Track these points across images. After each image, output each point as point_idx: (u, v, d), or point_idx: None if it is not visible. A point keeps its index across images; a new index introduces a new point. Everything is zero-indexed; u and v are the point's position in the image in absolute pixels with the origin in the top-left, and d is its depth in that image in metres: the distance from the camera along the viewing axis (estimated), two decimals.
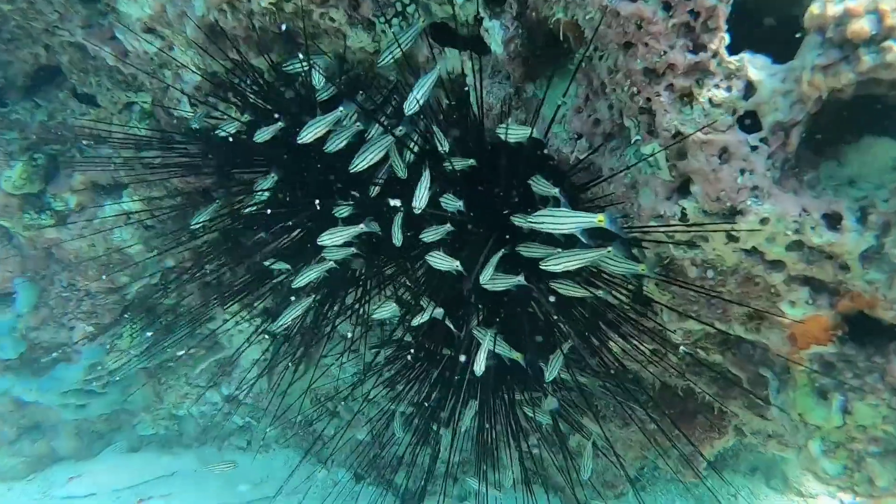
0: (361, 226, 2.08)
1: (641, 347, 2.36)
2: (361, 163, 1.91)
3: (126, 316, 3.65)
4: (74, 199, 3.04)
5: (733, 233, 1.49)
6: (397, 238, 1.95)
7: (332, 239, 2.02)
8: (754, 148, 1.36)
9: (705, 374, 2.54)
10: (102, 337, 3.66)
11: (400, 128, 2.00)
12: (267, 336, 3.33)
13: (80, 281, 3.38)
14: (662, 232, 1.61)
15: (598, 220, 1.49)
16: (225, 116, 2.48)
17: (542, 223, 1.56)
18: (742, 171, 1.37)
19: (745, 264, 1.56)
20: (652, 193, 1.60)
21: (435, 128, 1.92)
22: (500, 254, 1.87)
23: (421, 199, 1.78)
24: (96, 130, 2.81)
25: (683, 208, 1.53)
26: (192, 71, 2.42)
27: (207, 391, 4.40)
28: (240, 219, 2.59)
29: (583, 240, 1.54)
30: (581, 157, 1.78)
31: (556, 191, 1.69)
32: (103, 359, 3.72)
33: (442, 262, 1.88)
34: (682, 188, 1.54)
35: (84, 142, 2.90)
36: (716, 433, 2.98)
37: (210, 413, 4.38)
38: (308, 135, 1.98)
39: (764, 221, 1.41)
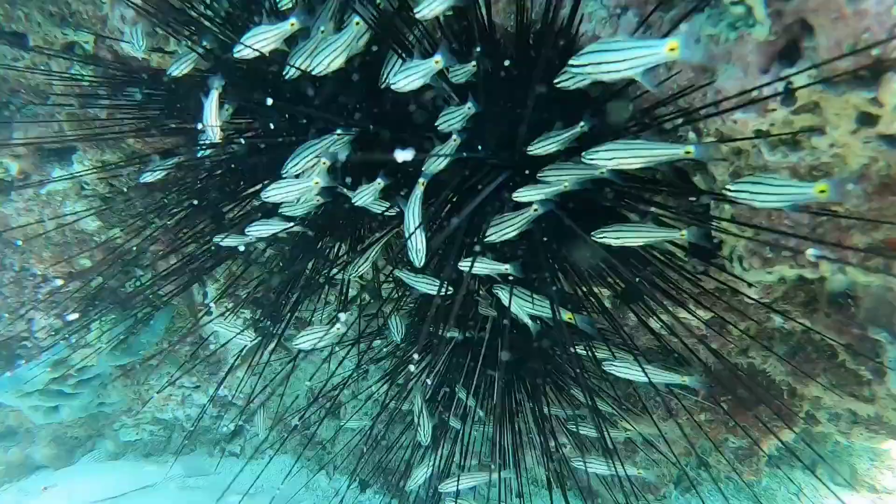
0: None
1: (699, 315, 1.86)
2: (319, 65, 1.40)
3: (93, 305, 3.20)
4: (16, 166, 2.60)
5: (871, 110, 0.99)
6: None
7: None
8: None
9: (780, 346, 2.03)
10: (67, 330, 3.22)
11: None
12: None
13: (33, 264, 2.94)
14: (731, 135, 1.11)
15: (670, 46, 0.96)
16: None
17: (588, 65, 1.02)
18: None
19: (881, 163, 1.06)
20: (738, 68, 1.10)
21: None
22: None
23: None
24: (33, 80, 2.36)
25: (790, 81, 1.04)
26: None
27: (193, 392, 3.95)
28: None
29: (649, 86, 1.02)
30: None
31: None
32: (69, 355, 3.28)
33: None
34: (788, 51, 1.05)
35: (22, 95, 2.45)
36: (783, 423, 2.47)
37: (198, 416, 3.93)
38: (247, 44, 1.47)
39: None
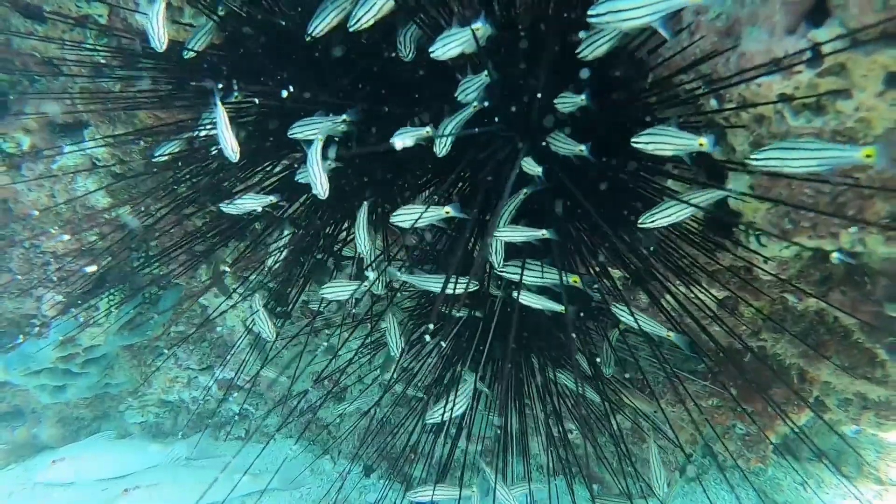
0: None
1: (712, 294, 1.86)
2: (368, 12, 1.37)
3: (103, 283, 3.19)
4: (28, 140, 2.60)
5: None
6: None
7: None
8: None
9: (792, 328, 2.02)
10: (75, 308, 3.22)
11: None
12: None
13: (43, 241, 2.95)
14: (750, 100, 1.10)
15: None
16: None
17: (607, 13, 1.00)
18: None
19: None
20: (764, 30, 1.09)
21: None
22: None
23: None
24: (45, 54, 2.36)
25: (817, 42, 1.03)
26: None
27: (199, 374, 3.96)
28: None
29: (666, 35, 1.01)
30: None
31: None
32: (77, 333, 3.28)
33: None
34: (816, 12, 1.04)
35: (35, 69, 2.45)
36: (794, 407, 2.46)
37: (203, 399, 3.93)
38: None
39: None
